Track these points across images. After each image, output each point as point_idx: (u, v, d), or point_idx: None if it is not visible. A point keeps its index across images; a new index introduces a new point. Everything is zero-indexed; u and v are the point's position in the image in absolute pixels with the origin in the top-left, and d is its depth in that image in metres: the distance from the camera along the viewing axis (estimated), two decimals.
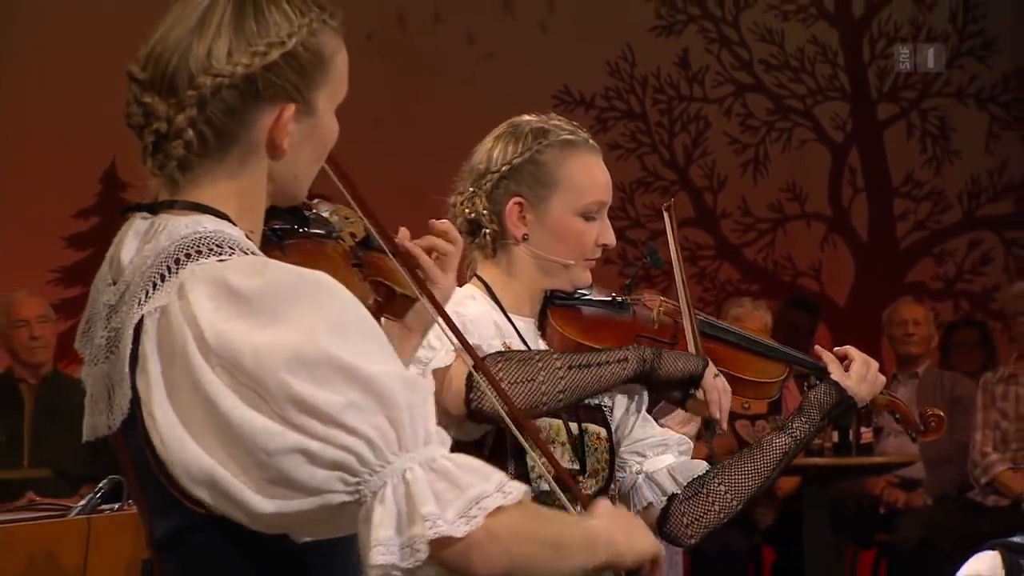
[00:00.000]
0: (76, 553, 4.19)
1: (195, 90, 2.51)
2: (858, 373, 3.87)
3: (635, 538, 2.77)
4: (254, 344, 2.38)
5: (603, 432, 3.81)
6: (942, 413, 4.23)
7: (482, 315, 3.74)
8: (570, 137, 3.82)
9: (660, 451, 3.90)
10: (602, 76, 11.64)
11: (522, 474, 3.57)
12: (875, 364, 3.92)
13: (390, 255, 3.00)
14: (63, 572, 4.19)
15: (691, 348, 3.79)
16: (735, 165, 11.81)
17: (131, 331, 2.47)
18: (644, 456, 3.90)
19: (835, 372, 3.87)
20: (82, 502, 5.05)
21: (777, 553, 9.21)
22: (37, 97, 10.56)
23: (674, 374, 3.65)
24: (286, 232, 2.88)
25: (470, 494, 2.40)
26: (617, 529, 2.80)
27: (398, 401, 2.40)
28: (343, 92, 2.73)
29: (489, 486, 2.43)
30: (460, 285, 3.68)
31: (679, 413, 9.01)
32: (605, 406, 3.86)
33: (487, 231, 3.78)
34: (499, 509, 2.42)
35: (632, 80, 11.69)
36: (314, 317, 2.42)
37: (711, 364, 3.72)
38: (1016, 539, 4.09)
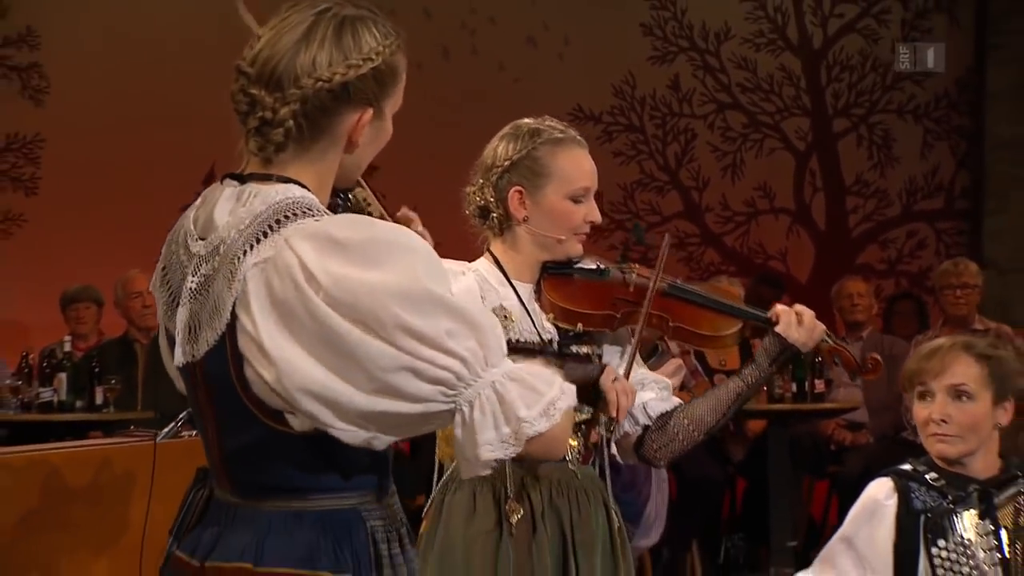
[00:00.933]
0: (144, 472, 4.10)
1: (299, 89, 2.57)
2: (795, 325, 3.79)
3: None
4: (366, 282, 2.43)
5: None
6: (878, 356, 4.22)
7: (468, 289, 3.71)
8: (560, 136, 3.82)
9: (639, 389, 3.81)
10: (608, 97, 11.61)
11: None
12: (810, 314, 3.84)
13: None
14: (133, 487, 4.09)
15: (645, 307, 3.72)
16: (716, 169, 11.79)
17: (236, 279, 2.51)
18: (612, 429, 3.83)
19: (781, 325, 3.79)
20: (166, 429, 5.14)
21: (747, 482, 9.20)
22: (148, 107, 10.40)
23: (574, 380, 3.60)
24: (335, 208, 2.81)
25: (547, 398, 2.53)
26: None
27: (484, 326, 2.53)
28: (400, 103, 2.78)
29: (555, 390, 2.57)
30: (475, 258, 3.90)
31: (670, 364, 8.92)
32: (595, 355, 3.86)
33: (494, 215, 3.80)
34: (565, 406, 2.57)
35: (632, 100, 11.66)
36: (412, 262, 2.48)
37: (609, 370, 3.64)
38: (905, 466, 4.07)
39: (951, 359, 3.96)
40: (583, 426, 3.80)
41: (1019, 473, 3.85)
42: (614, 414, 3.56)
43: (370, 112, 2.67)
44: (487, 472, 2.64)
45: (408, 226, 3.05)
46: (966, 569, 3.75)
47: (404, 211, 3.15)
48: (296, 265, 2.45)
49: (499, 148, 3.84)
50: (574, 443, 3.78)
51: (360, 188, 3.00)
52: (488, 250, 3.87)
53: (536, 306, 3.78)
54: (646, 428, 3.85)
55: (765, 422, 9.04)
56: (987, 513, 3.75)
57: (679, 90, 11.70)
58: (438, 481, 3.87)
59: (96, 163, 10.68)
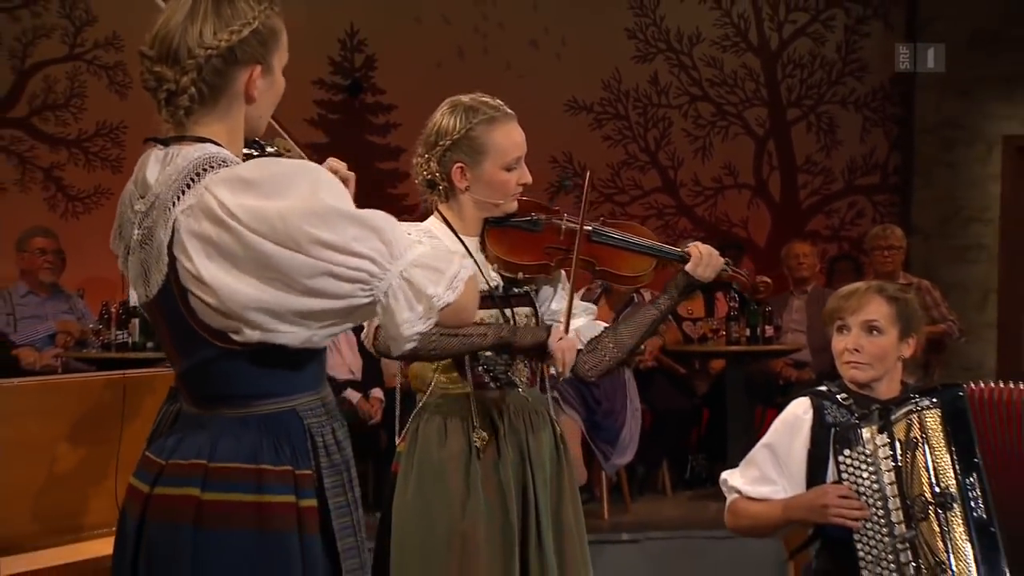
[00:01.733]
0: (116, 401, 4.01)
1: (193, 59, 2.59)
2: (703, 261, 3.83)
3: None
4: (277, 210, 2.47)
5: (529, 311, 3.80)
6: (768, 280, 4.26)
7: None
8: (493, 113, 3.74)
9: (576, 318, 3.86)
10: (598, 90, 11.55)
11: None
12: (712, 251, 3.88)
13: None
14: (107, 416, 3.99)
15: (576, 253, 3.71)
16: (689, 151, 11.72)
17: (169, 226, 2.55)
18: (559, 321, 3.83)
19: (691, 264, 3.82)
20: None
21: (709, 411, 9.20)
22: None
23: (526, 343, 3.60)
24: (252, 156, 2.80)
25: (449, 273, 2.57)
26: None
27: (383, 227, 2.53)
28: (286, 58, 2.78)
29: (455, 266, 2.60)
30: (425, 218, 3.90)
31: None
32: (533, 290, 3.86)
33: (440, 186, 3.76)
34: (465, 278, 2.60)
35: (619, 93, 11.58)
36: (312, 187, 2.51)
37: (554, 331, 3.67)
38: (821, 388, 4.09)
39: (866, 299, 3.99)
40: (529, 360, 3.80)
41: (912, 395, 3.86)
42: (561, 368, 3.59)
43: (259, 68, 2.69)
44: (412, 346, 2.64)
45: (336, 172, 3.08)
46: (866, 474, 3.75)
47: (330, 161, 3.08)
48: (216, 206, 2.49)
49: (441, 124, 3.76)
50: (523, 372, 3.79)
51: (281, 138, 2.99)
52: (437, 210, 3.83)
53: (482, 257, 3.74)
54: (578, 351, 3.81)
55: (724, 362, 9.10)
56: (884, 428, 3.76)
57: (658, 85, 11.63)
58: (401, 413, 3.84)
59: None
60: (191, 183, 2.56)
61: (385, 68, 11.08)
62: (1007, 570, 3.67)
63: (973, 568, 3.66)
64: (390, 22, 11.07)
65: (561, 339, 3.61)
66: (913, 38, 11.45)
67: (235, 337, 2.55)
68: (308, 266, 2.48)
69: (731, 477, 4.09)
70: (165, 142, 2.66)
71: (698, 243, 3.88)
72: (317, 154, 9.32)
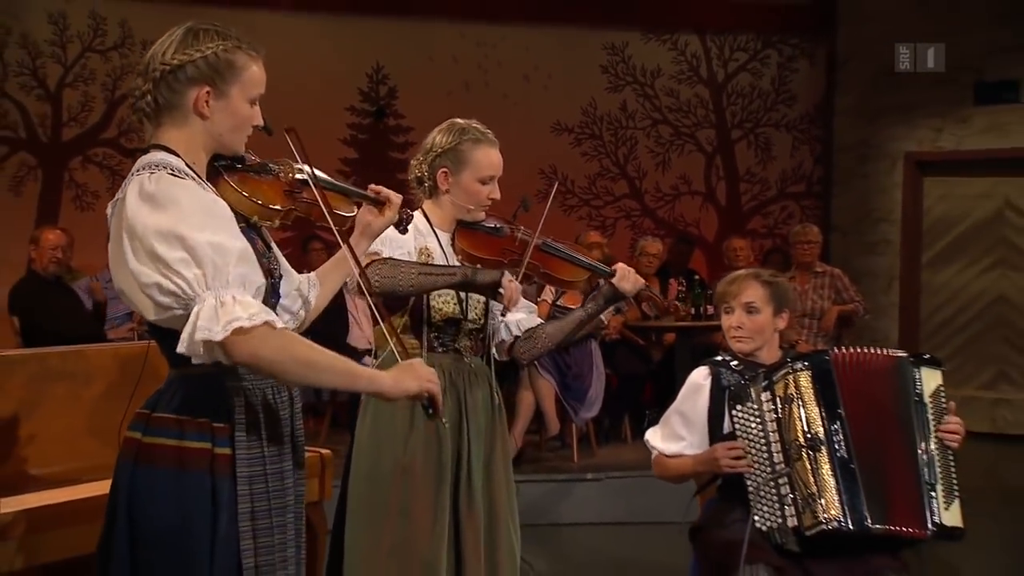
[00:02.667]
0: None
1: (153, 72, 2.61)
2: (626, 279, 3.83)
3: (402, 381, 2.71)
4: (143, 222, 2.47)
5: (479, 301, 3.79)
6: (678, 304, 4.31)
7: (398, 235, 3.53)
8: (480, 136, 3.76)
9: (517, 313, 3.88)
10: (578, 115, 11.54)
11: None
12: (634, 273, 3.89)
13: (319, 197, 2.83)
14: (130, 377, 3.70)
15: (526, 258, 3.72)
16: (652, 164, 11.70)
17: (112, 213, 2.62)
18: (504, 314, 3.85)
19: (617, 278, 3.83)
20: None
21: (663, 375, 9.16)
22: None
23: (485, 282, 3.59)
24: (226, 167, 2.77)
25: (229, 317, 2.44)
26: (389, 375, 2.74)
27: (205, 261, 2.46)
28: (256, 91, 2.73)
29: (244, 316, 2.47)
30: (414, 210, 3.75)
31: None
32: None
33: (427, 184, 3.76)
34: (248, 329, 2.46)
35: (595, 117, 11.58)
36: (176, 212, 2.48)
37: (507, 274, 3.63)
38: (717, 358, 4.08)
39: (745, 284, 4.00)
40: (474, 331, 3.81)
41: (789, 360, 3.87)
42: (507, 303, 3.57)
43: (207, 89, 2.65)
44: (199, 355, 2.52)
45: (379, 193, 3.09)
46: (754, 424, 3.77)
47: (381, 189, 3.09)
48: (128, 206, 2.51)
49: (436, 138, 3.77)
50: (467, 343, 3.77)
51: (286, 159, 2.89)
52: (421, 208, 3.80)
53: (451, 249, 3.74)
54: (516, 338, 3.87)
55: (675, 335, 9.05)
56: (768, 387, 3.76)
57: (626, 111, 11.63)
58: None
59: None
60: (130, 179, 2.58)
61: (404, 98, 11.10)
62: (864, 498, 3.71)
63: (836, 497, 3.66)
64: (408, 60, 11.05)
65: (511, 281, 3.59)
66: (832, 74, 11.48)
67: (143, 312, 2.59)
68: (143, 273, 2.48)
69: (652, 437, 4.14)
70: (145, 151, 2.66)
71: (625, 265, 3.89)
72: (348, 166, 9.40)
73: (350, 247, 2.97)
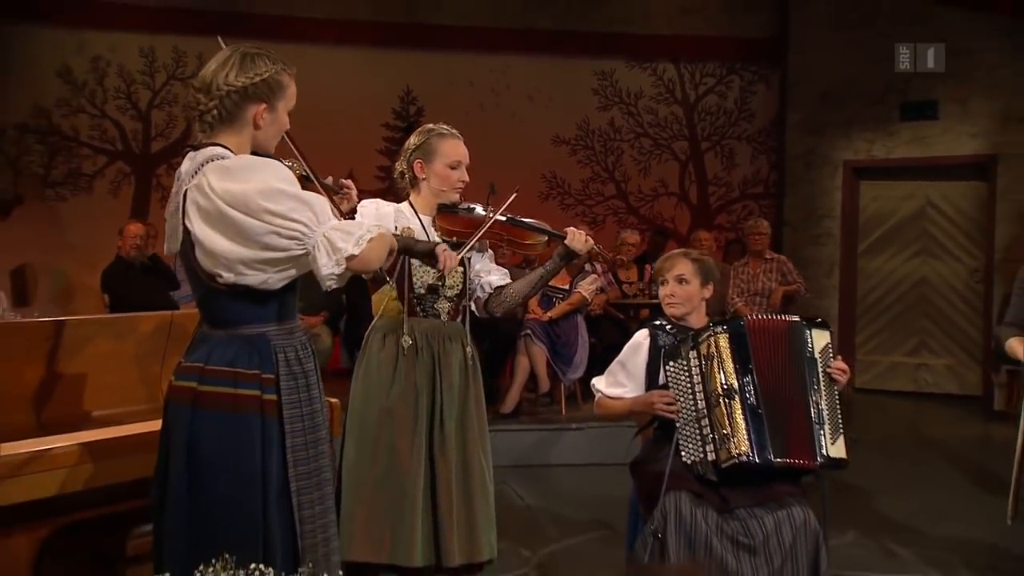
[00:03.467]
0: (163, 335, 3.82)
1: (219, 91, 2.62)
2: (575, 239, 3.79)
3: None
4: (242, 189, 2.50)
5: (460, 268, 3.72)
6: (624, 257, 4.29)
7: (387, 214, 3.69)
8: (444, 132, 3.76)
9: (488, 274, 3.87)
10: (574, 129, 11.52)
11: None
12: (583, 234, 3.82)
13: (318, 186, 2.97)
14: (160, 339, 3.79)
15: (482, 230, 3.70)
16: (635, 171, 11.68)
17: (181, 199, 2.61)
18: (481, 276, 3.85)
19: (568, 239, 3.78)
20: None
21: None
22: (316, 132, 10.21)
23: (423, 251, 3.52)
24: None
25: (356, 235, 2.52)
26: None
27: (313, 203, 2.53)
28: (293, 103, 2.77)
29: (362, 230, 2.54)
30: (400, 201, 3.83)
31: (591, 278, 8.70)
32: (466, 257, 3.76)
33: (407, 176, 3.77)
34: (372, 237, 2.54)
35: (588, 131, 11.56)
36: (266, 174, 2.53)
37: (440, 245, 3.54)
38: (655, 322, 4.11)
39: (676, 261, 4.04)
40: (453, 298, 3.78)
41: (711, 325, 3.89)
42: (442, 267, 3.50)
43: (264, 106, 2.68)
44: (334, 284, 2.57)
45: (341, 188, 3.21)
46: (683, 377, 3.81)
47: (339, 180, 3.20)
48: (206, 185, 2.52)
49: (411, 139, 3.78)
50: (445, 308, 3.75)
51: (294, 158, 2.96)
52: (407, 198, 3.80)
53: (432, 229, 3.73)
54: (489, 295, 3.85)
55: (648, 311, 8.91)
56: (694, 347, 3.81)
57: (614, 126, 11.61)
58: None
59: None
60: (198, 169, 2.58)
61: (430, 115, 10.82)
62: (768, 437, 3.75)
63: (746, 436, 3.69)
64: (433, 85, 11.05)
65: (445, 250, 3.51)
66: (784, 95, 11.46)
67: (218, 279, 2.56)
68: (260, 227, 2.48)
69: (597, 382, 4.16)
70: (196, 148, 2.66)
71: (574, 228, 3.84)
72: (383, 172, 9.39)
73: (341, 212, 3.00)
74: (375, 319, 3.76)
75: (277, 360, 2.68)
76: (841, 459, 3.80)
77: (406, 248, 3.55)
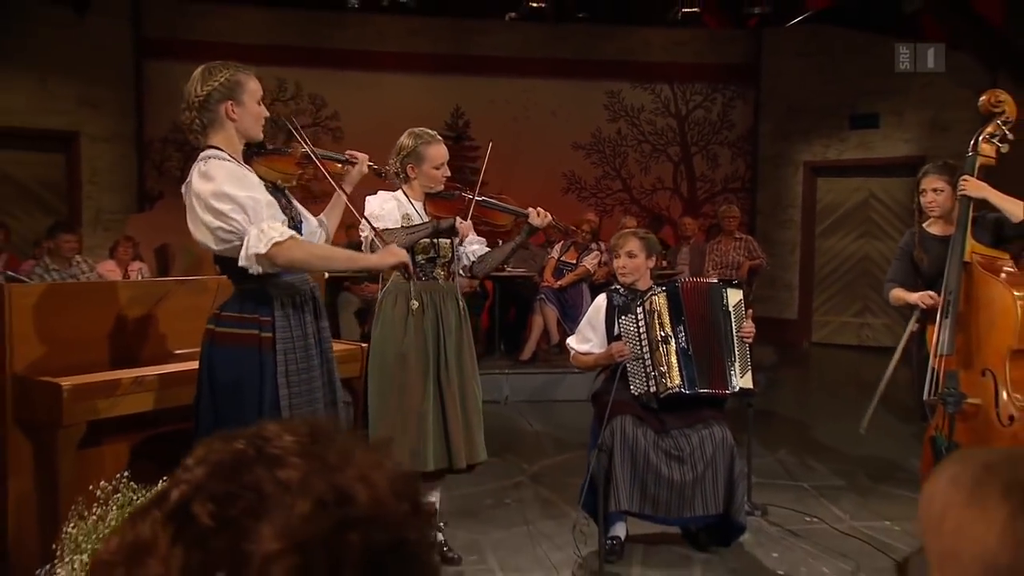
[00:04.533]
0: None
1: (194, 102, 2.63)
2: (540, 215, 3.69)
3: (385, 258, 2.78)
4: (204, 189, 2.53)
5: (447, 243, 3.65)
6: (575, 227, 4.19)
7: (386, 201, 3.62)
8: (430, 139, 3.66)
9: (470, 245, 3.75)
10: (588, 137, 11.42)
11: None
12: (544, 212, 3.71)
13: (318, 163, 2.92)
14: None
15: (471, 211, 3.64)
16: (638, 170, 11.56)
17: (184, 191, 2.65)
18: (466, 248, 3.74)
19: (531, 217, 3.69)
20: None
21: None
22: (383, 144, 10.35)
23: (447, 227, 3.57)
24: (256, 152, 2.78)
25: (267, 237, 2.51)
26: (376, 256, 2.82)
27: (246, 206, 2.52)
28: (259, 95, 2.69)
29: (276, 235, 2.52)
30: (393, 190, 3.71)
31: (592, 256, 8.65)
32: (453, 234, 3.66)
33: (401, 175, 3.65)
34: (281, 242, 2.50)
35: (600, 139, 11.46)
36: (220, 179, 2.54)
37: (458, 219, 3.55)
38: (613, 288, 4.09)
39: (627, 239, 4.03)
40: (445, 264, 3.70)
41: (653, 287, 3.94)
42: (462, 236, 3.58)
43: (230, 102, 2.63)
44: (256, 268, 2.52)
45: (356, 158, 3.12)
46: (632, 328, 3.85)
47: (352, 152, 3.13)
48: (193, 183, 2.58)
49: (403, 141, 3.66)
50: (441, 273, 3.67)
51: (295, 140, 2.87)
52: (402, 189, 3.67)
53: (423, 212, 3.63)
54: (473, 262, 3.78)
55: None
56: (640, 305, 3.87)
57: (620, 134, 11.50)
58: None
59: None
60: (194, 169, 2.61)
61: (475, 127, 11.06)
62: (695, 372, 3.81)
63: (678, 372, 3.77)
64: (477, 103, 11.03)
65: (462, 223, 3.55)
66: (757, 110, 11.36)
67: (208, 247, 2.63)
68: (209, 222, 2.54)
69: (571, 342, 4.14)
70: (200, 151, 2.67)
71: (535, 208, 3.74)
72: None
73: (343, 190, 3.06)
74: (388, 283, 3.72)
75: (274, 307, 2.69)
76: (749, 389, 3.86)
77: (435, 231, 3.58)
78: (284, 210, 2.75)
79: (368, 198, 3.61)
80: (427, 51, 10.94)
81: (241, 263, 2.54)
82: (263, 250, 2.51)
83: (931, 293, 3.79)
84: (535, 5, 10.17)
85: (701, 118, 11.66)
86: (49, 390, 3.00)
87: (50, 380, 3.02)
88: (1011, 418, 3.29)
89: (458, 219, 3.57)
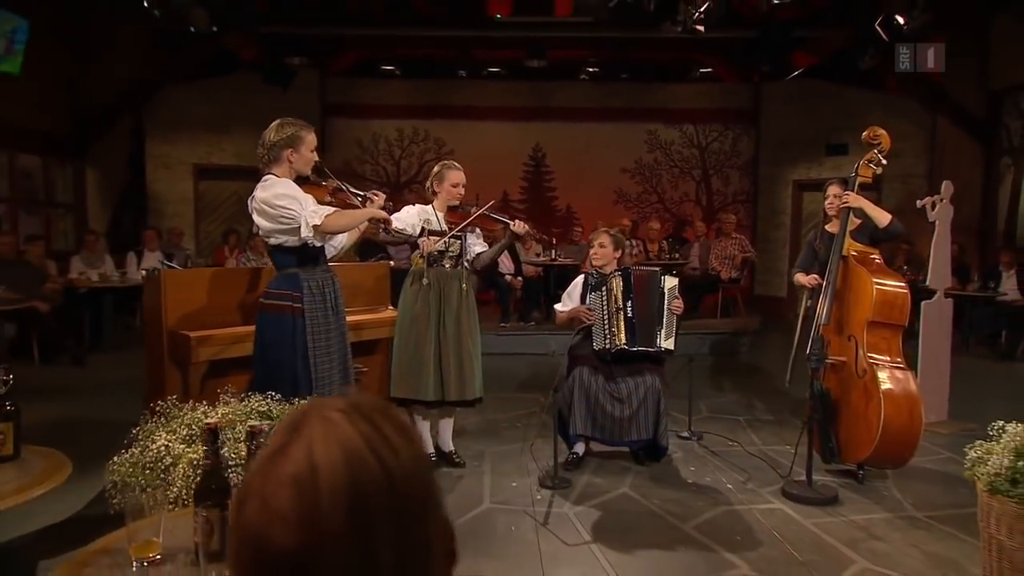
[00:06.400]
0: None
1: (267, 145, 2.58)
2: (519, 226, 3.39)
3: (375, 212, 2.68)
4: (266, 196, 2.50)
5: (456, 243, 3.45)
6: (545, 236, 4.02)
7: (409, 214, 3.43)
8: (450, 165, 3.48)
9: (474, 246, 3.53)
10: (632, 163, 10.98)
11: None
12: (521, 223, 3.37)
13: (345, 191, 2.79)
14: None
15: (472, 218, 3.39)
16: (669, 187, 11.07)
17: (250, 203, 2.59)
18: (471, 247, 3.50)
19: (512, 226, 3.38)
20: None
21: None
22: (480, 168, 10.18)
23: (513, 241, 3.40)
24: (300, 180, 2.68)
25: (320, 212, 2.47)
26: (371, 209, 2.69)
27: (299, 198, 2.49)
28: (313, 146, 2.61)
29: (324, 211, 2.48)
30: (426, 203, 3.51)
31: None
32: (463, 235, 3.46)
33: (429, 191, 3.47)
34: (328, 214, 2.47)
35: (641, 165, 11.00)
36: (275, 188, 2.51)
37: (517, 224, 3.28)
38: (587, 271, 3.88)
39: (601, 235, 3.85)
40: (451, 257, 3.45)
41: (615, 272, 3.76)
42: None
43: (290, 150, 2.58)
44: (314, 240, 2.42)
45: (374, 198, 2.87)
46: (598, 300, 3.70)
47: (374, 192, 2.90)
48: (257, 194, 2.54)
49: (434, 168, 3.50)
50: (448, 261, 3.45)
51: (328, 176, 2.74)
52: (431, 203, 3.48)
53: (445, 223, 3.45)
54: (473, 259, 3.52)
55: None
56: (605, 284, 3.73)
57: (656, 162, 11.05)
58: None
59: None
60: (257, 186, 2.57)
61: (551, 159, 10.89)
62: (637, 334, 3.62)
63: (625, 334, 3.63)
64: (553, 141, 10.82)
65: (519, 226, 3.33)
66: (758, 142, 10.70)
67: (268, 240, 2.64)
68: (272, 215, 2.54)
69: (557, 306, 3.93)
70: (262, 175, 2.62)
71: (519, 220, 3.42)
72: (523, 193, 9.18)
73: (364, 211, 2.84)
74: (411, 269, 3.56)
75: (302, 287, 2.66)
76: (670, 349, 3.65)
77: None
78: None
79: (406, 208, 3.49)
80: (516, 105, 10.86)
81: (303, 235, 2.48)
82: (319, 221, 2.46)
83: (816, 276, 3.52)
84: (591, 70, 10.03)
85: (717, 148, 11.09)
86: (185, 340, 3.12)
87: (185, 333, 3.14)
88: (863, 371, 3.07)
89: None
